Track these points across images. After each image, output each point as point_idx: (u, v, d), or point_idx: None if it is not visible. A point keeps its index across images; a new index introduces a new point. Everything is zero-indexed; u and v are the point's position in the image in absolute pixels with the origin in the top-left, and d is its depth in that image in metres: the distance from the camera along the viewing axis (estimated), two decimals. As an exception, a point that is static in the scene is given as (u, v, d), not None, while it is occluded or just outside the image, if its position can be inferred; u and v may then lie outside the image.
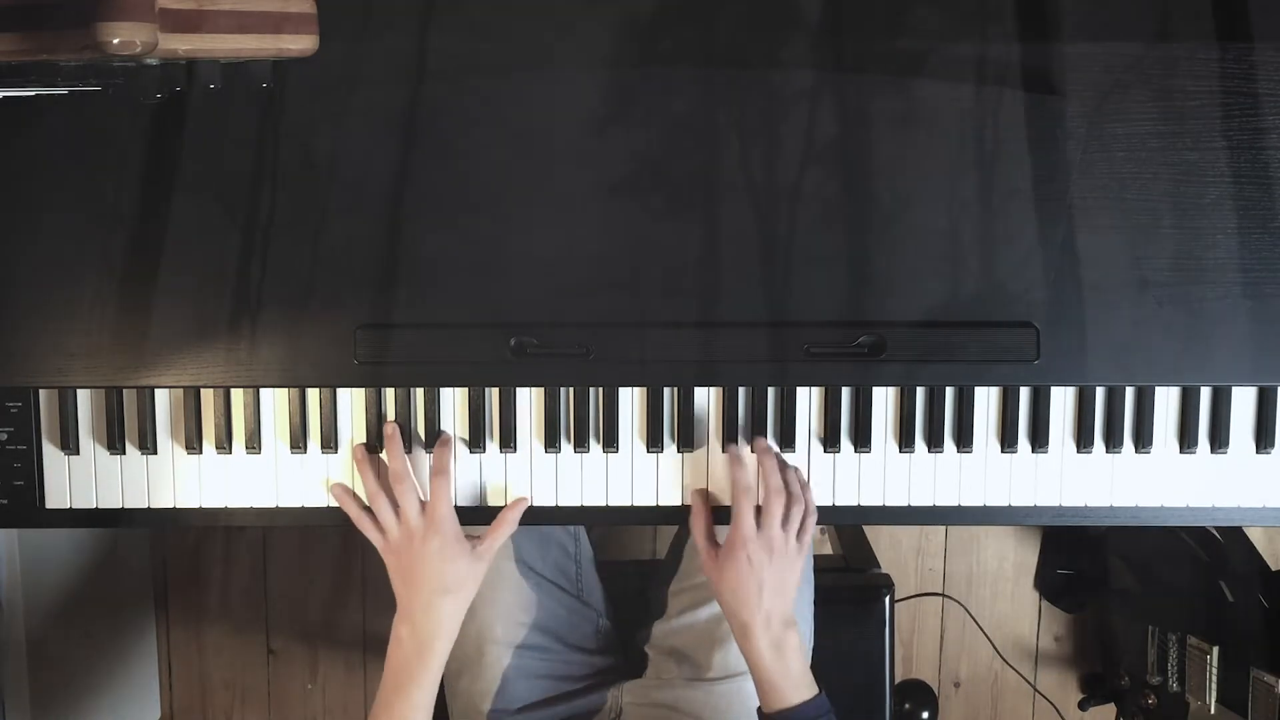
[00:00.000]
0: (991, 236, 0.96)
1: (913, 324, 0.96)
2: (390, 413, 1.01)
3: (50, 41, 0.84)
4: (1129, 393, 1.01)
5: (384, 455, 1.00)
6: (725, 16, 0.96)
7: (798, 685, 0.96)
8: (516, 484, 1.02)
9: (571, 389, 1.00)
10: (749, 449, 1.02)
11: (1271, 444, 1.01)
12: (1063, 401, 1.01)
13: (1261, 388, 1.01)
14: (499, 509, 1.01)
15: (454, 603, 0.97)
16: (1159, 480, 1.02)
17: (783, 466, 1.01)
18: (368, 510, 0.99)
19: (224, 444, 1.00)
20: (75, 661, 1.61)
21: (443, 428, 1.01)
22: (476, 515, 1.01)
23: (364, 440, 1.01)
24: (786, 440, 1.01)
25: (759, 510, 0.98)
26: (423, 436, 1.01)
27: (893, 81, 0.96)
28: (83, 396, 1.00)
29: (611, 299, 0.96)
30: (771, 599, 0.96)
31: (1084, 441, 1.01)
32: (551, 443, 1.01)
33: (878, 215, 0.96)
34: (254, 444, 1.00)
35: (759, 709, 0.98)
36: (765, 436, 1.01)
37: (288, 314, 0.96)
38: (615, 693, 1.14)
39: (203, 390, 1.00)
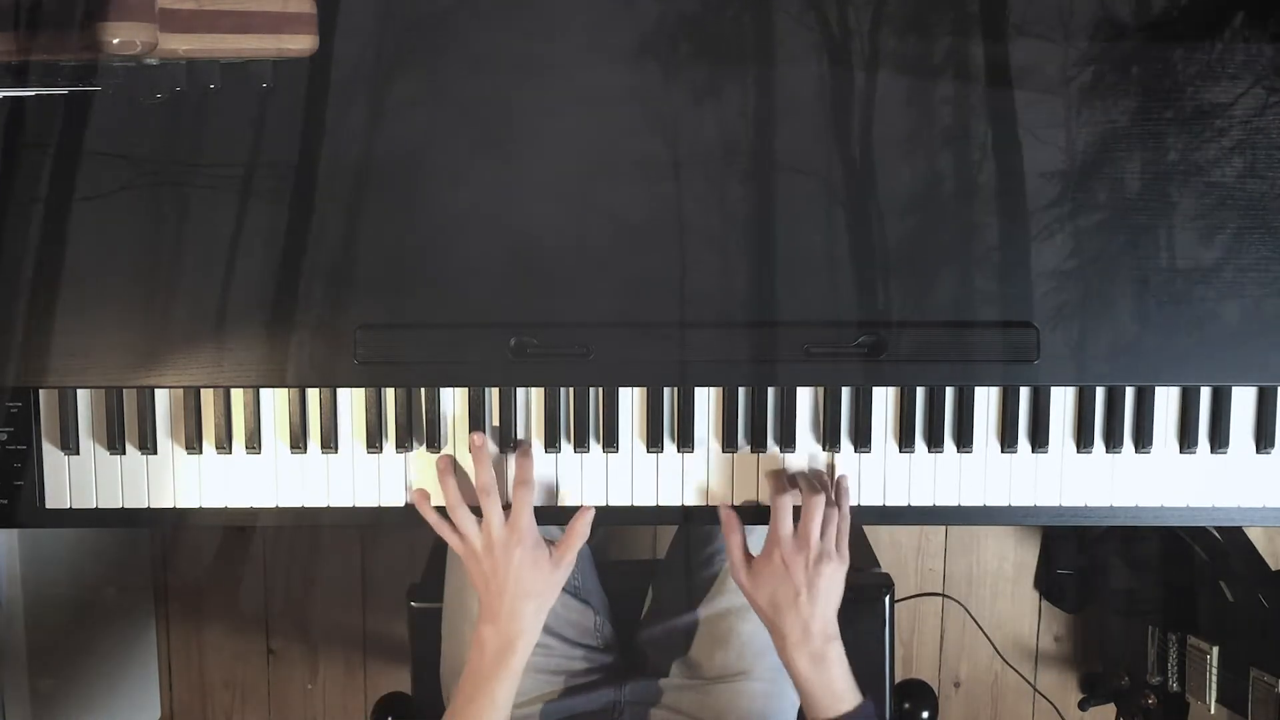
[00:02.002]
0: (991, 236, 0.96)
1: (913, 324, 0.96)
2: (390, 412, 1.01)
3: (50, 41, 0.84)
4: (1129, 393, 1.01)
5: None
6: (716, 22, 0.96)
7: (840, 697, 0.95)
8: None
9: (571, 389, 1.00)
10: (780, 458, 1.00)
11: (1271, 444, 1.01)
12: (1063, 401, 1.01)
13: (1261, 388, 1.01)
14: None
15: (536, 606, 0.99)
16: (1159, 480, 1.02)
17: (816, 473, 1.01)
18: (445, 517, 0.99)
19: (224, 444, 1.00)
20: (75, 661, 1.61)
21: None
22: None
23: (363, 439, 1.01)
24: (787, 440, 1.01)
25: (797, 512, 0.97)
26: (424, 435, 1.01)
27: (892, 81, 0.96)
28: (83, 396, 1.00)
29: (612, 299, 0.96)
30: (810, 608, 0.94)
31: (1084, 441, 1.01)
32: (551, 443, 1.01)
33: (877, 215, 0.96)
34: (254, 444, 1.00)
35: (799, 712, 0.97)
36: (794, 448, 1.01)
37: (288, 314, 0.96)
38: (617, 691, 1.14)
39: (203, 390, 1.00)
